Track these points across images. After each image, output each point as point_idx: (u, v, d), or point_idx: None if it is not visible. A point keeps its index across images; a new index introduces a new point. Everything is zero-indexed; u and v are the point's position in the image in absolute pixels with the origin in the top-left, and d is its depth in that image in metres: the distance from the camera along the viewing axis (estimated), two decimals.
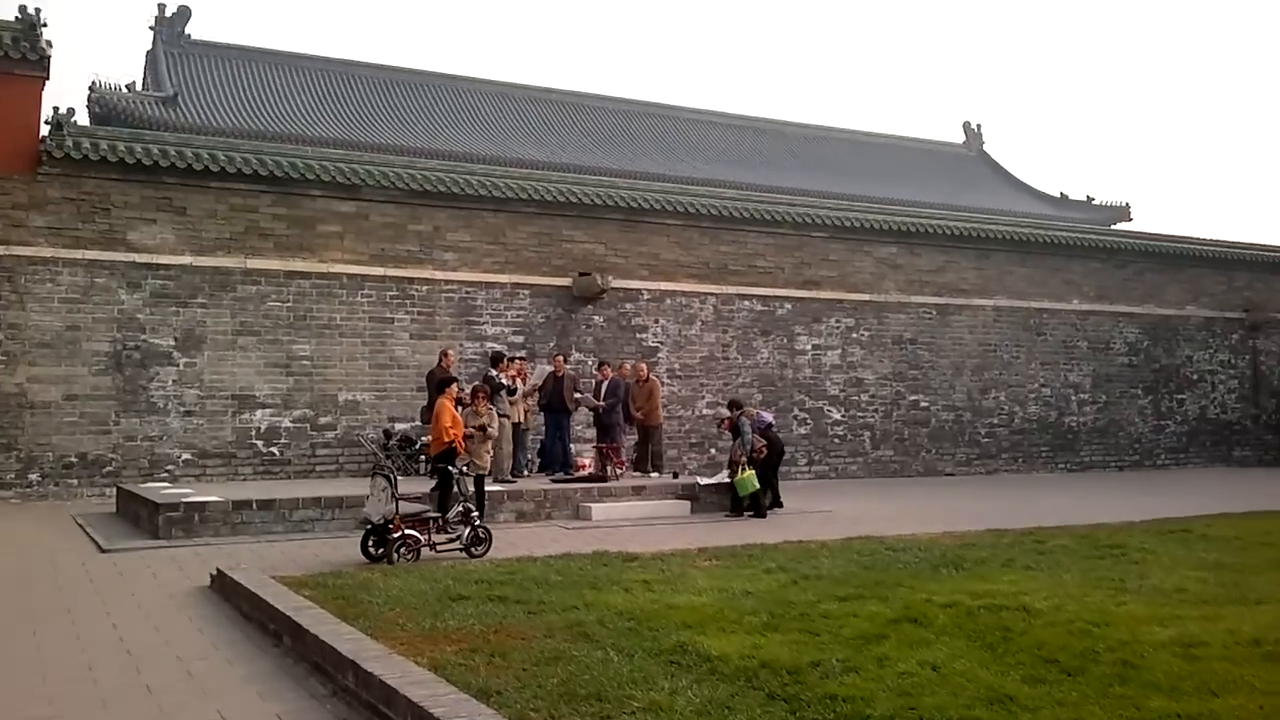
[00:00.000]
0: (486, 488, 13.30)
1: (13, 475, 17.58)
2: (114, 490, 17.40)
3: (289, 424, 19.49)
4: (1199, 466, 29.29)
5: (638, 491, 15.34)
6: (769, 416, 17.36)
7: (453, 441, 11.91)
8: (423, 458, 18.31)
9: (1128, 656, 6.44)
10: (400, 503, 10.81)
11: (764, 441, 16.05)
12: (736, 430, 16.11)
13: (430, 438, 12.47)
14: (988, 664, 6.34)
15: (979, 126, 55.56)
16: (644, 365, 19.16)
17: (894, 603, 8.14)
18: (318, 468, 19.52)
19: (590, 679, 5.97)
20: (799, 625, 7.39)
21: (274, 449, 19.32)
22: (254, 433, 19.25)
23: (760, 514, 15.30)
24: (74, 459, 18.02)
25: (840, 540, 12.07)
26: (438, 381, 13.43)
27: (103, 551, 11.86)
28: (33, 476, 17.70)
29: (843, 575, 9.48)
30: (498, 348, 20.65)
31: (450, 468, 11.65)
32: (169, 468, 18.51)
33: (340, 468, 19.67)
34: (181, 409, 18.82)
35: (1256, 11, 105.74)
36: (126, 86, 36.04)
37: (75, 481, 17.95)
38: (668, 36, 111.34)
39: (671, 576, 9.48)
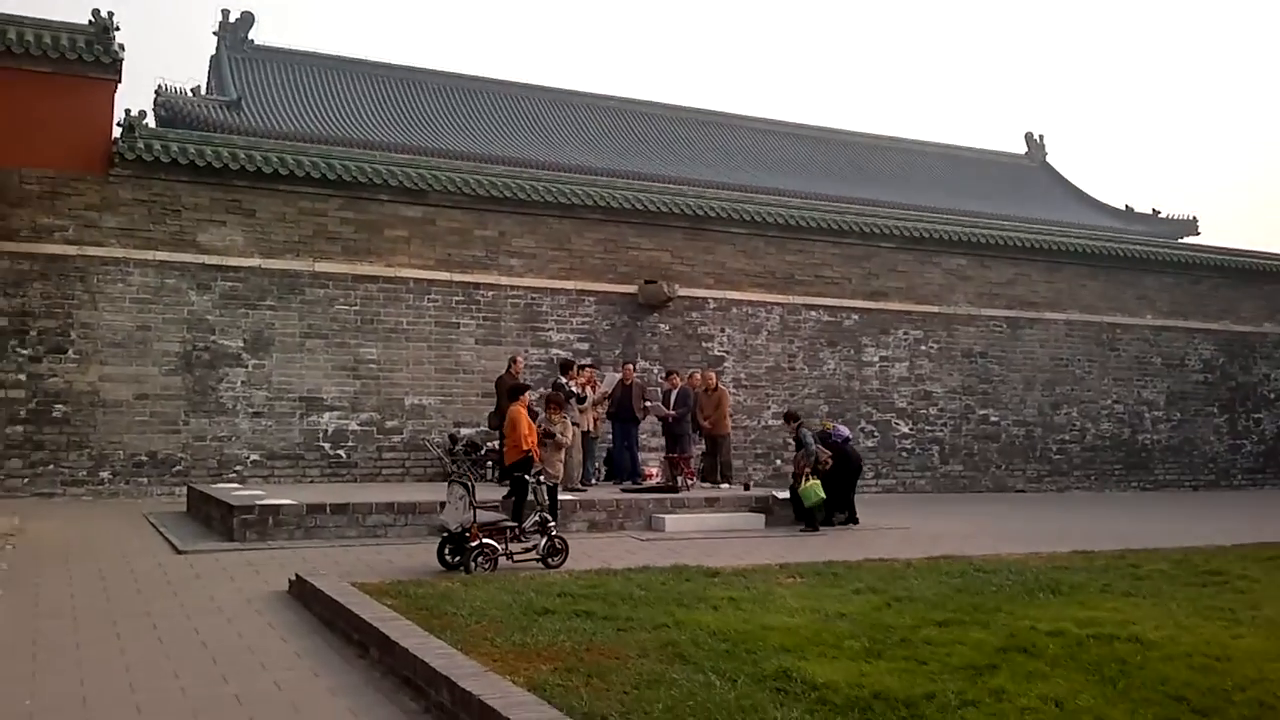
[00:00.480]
0: (559, 497, 13.10)
1: (85, 473, 17.69)
2: (183, 489, 17.49)
3: (356, 427, 19.45)
4: (1276, 488, 28.49)
5: (710, 503, 15.08)
6: (845, 431, 17.04)
7: (530, 450, 11.71)
8: (490, 463, 18.18)
9: (1261, 697, 6.09)
10: (478, 511, 10.63)
11: (828, 453, 15.73)
12: (799, 441, 15.81)
13: (506, 445, 12.25)
14: (1113, 700, 6.01)
15: (1041, 137, 54.91)
16: (713, 374, 18.90)
17: (997, 629, 7.81)
18: (384, 471, 19.46)
19: (696, 705, 5.71)
20: (903, 652, 7.09)
21: (340, 451, 19.29)
22: (321, 435, 19.23)
23: (814, 527, 14.97)
24: (144, 458, 18.09)
25: (924, 559, 11.73)
26: (509, 388, 13.24)
27: (178, 553, 11.80)
28: (104, 474, 17.78)
29: (936, 598, 9.15)
30: (563, 354, 20.55)
31: (527, 476, 11.45)
32: (237, 468, 18.54)
33: (406, 472, 19.60)
34: (250, 410, 18.84)
35: None
36: (191, 90, 36.54)
37: (145, 480, 18.02)
38: (727, 43, 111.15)
39: (758, 595, 9.21)
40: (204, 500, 14.53)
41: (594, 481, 17.14)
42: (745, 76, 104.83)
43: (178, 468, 18.26)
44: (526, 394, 12.85)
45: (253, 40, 40.70)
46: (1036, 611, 8.59)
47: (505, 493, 12.75)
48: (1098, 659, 6.94)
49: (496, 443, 18.29)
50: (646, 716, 5.53)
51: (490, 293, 20.80)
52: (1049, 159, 54.16)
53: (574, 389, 15.63)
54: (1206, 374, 28.38)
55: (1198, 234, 47.29)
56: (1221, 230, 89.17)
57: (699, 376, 18.88)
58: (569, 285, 21.48)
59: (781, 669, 6.51)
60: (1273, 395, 29.36)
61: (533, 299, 21.15)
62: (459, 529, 10.60)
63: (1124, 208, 49.88)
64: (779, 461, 22.35)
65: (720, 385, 18.58)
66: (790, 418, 16.71)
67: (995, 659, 6.88)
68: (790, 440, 17.50)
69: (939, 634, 7.65)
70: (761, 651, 7.00)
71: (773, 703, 5.84)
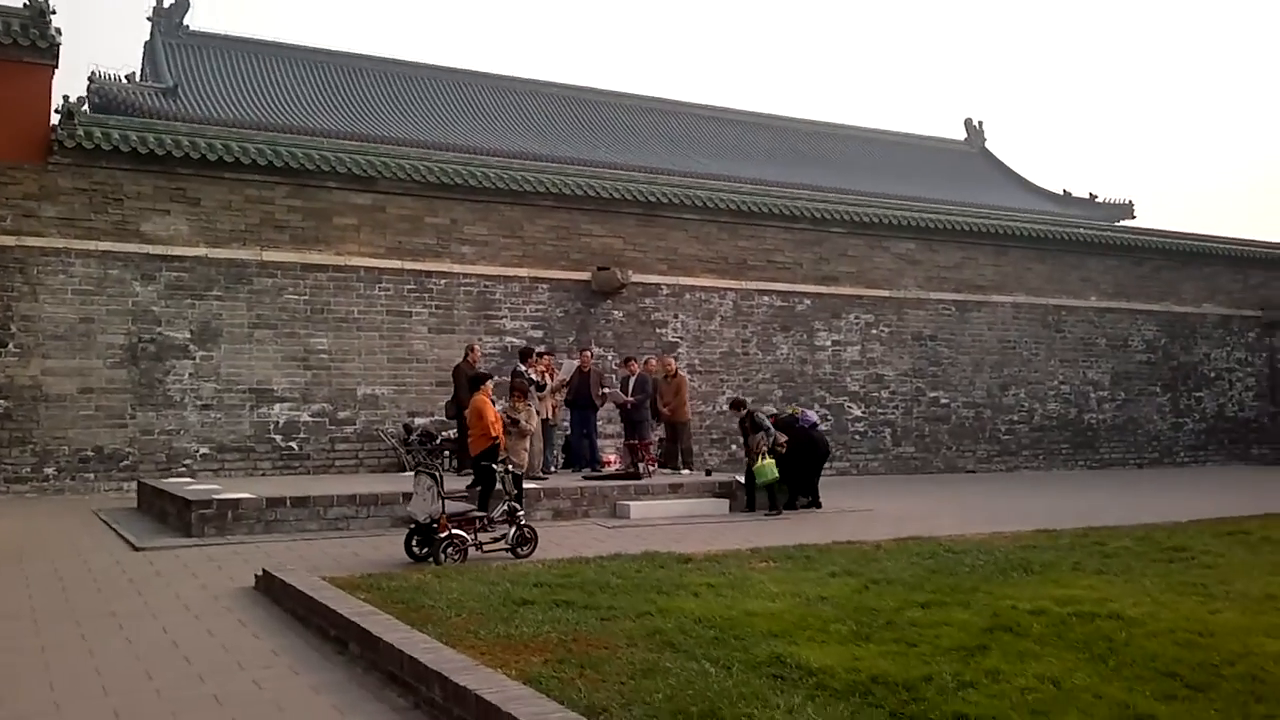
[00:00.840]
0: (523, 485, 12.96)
1: (28, 469, 17.22)
2: (131, 484, 17.12)
3: (307, 418, 19.13)
4: (1218, 464, 29.12)
5: (675, 489, 15.01)
6: (814, 416, 17.07)
7: (497, 439, 11.56)
8: (447, 453, 17.99)
9: (1251, 671, 6.15)
10: (446, 501, 10.47)
11: (785, 436, 15.75)
12: (756, 425, 15.72)
13: (472, 434, 12.07)
14: (1107, 678, 6.03)
15: (980, 123, 55.42)
16: (671, 360, 18.84)
17: (979, 609, 7.83)
18: (337, 463, 19.17)
19: (696, 694, 5.63)
20: (891, 634, 7.07)
21: (292, 444, 18.96)
22: (272, 427, 18.88)
23: (776, 510, 14.99)
24: (90, 453, 17.64)
25: (892, 540, 11.77)
26: (470, 377, 13.07)
27: (136, 550, 11.48)
28: (49, 470, 17.33)
29: (913, 579, 9.16)
30: (517, 342, 20.38)
31: (494, 466, 11.30)
32: (186, 462, 18.16)
33: (360, 463, 19.33)
34: (198, 403, 18.44)
35: (1253, 9, 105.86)
36: (126, 77, 35.67)
37: (92, 475, 17.58)
38: (668, 31, 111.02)
39: (734, 580, 9.16)
40: (157, 495, 14.18)
41: (553, 469, 17.01)
42: (687, 63, 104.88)
43: (125, 463, 17.83)
44: (489, 382, 12.69)
45: (188, 26, 39.81)
46: (1014, 591, 8.64)
47: (470, 482, 12.64)
48: (1084, 637, 6.98)
49: (453, 432, 18.14)
50: (648, 707, 5.43)
51: (442, 281, 20.54)
52: (988, 145, 54.69)
53: (534, 376, 15.47)
54: (1149, 354, 28.88)
55: (1134, 217, 48.10)
56: (1156, 213, 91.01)
57: (654, 362, 18.81)
58: (522, 272, 21.28)
59: (774, 655, 6.46)
60: (1213, 374, 29.95)
61: (486, 287, 20.92)
62: (427, 520, 10.43)
63: (1062, 192, 50.56)
64: (734, 446, 22.31)
65: (680, 372, 18.50)
66: (737, 405, 16.63)
67: (984, 639, 6.89)
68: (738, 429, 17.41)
69: (923, 615, 7.65)
70: (750, 638, 6.94)
71: (771, 689, 5.78)
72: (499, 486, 11.30)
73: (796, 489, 15.61)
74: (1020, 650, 6.62)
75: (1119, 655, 6.52)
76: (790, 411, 17.03)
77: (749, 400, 17.73)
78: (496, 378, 16.64)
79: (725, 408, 22.39)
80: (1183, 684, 5.93)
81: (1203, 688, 5.87)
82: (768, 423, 15.68)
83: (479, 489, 11.84)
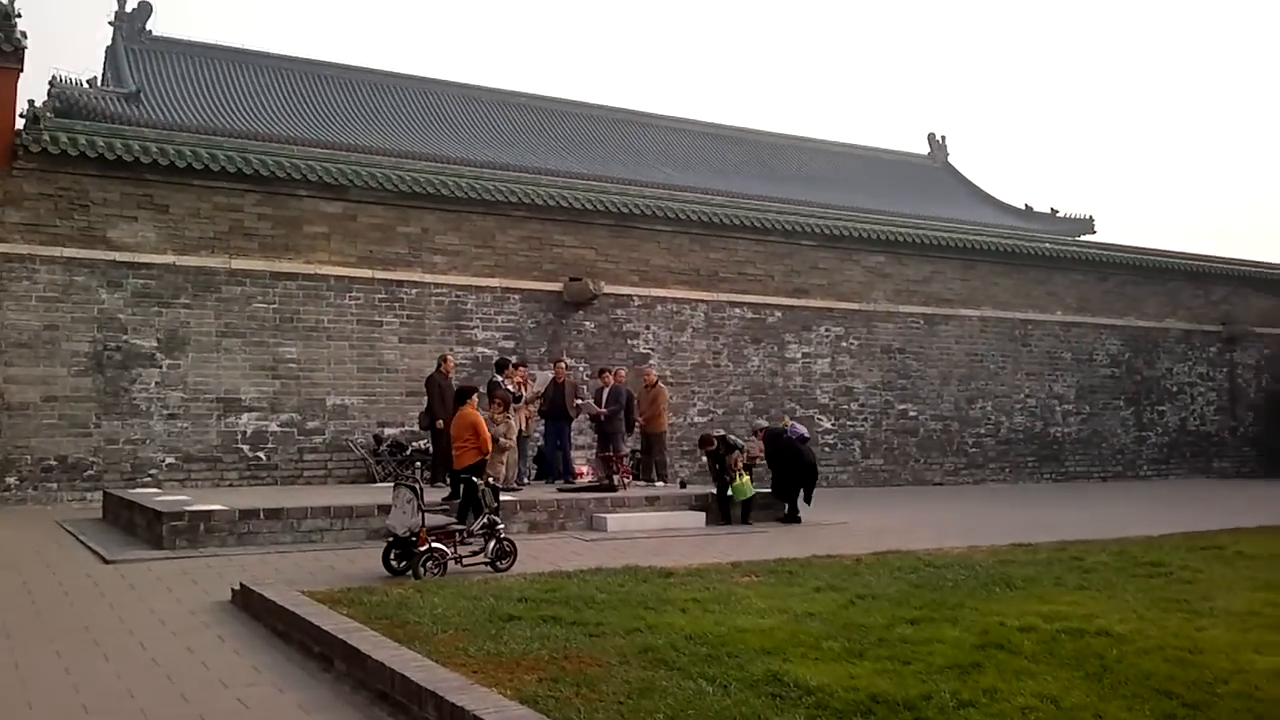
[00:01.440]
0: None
1: None
2: (95, 495, 16.88)
3: (276, 428, 18.90)
4: (1180, 478, 29.46)
5: (651, 502, 14.96)
6: (802, 429, 17.08)
7: (487, 454, 11.48)
8: (419, 464, 17.83)
9: (1245, 689, 6.15)
10: (426, 515, 10.34)
11: (760, 448, 15.90)
12: (729, 446, 15.77)
13: (461, 448, 11.93)
14: (1105, 697, 6.02)
15: (943, 138, 55.87)
16: (651, 371, 18.81)
17: (966, 626, 7.81)
18: (305, 473, 18.95)
19: (696, 715, 5.56)
20: (884, 652, 7.02)
21: (260, 453, 18.73)
22: (239, 437, 18.64)
23: (743, 522, 15.10)
24: (53, 462, 17.34)
25: (871, 555, 11.76)
26: (458, 390, 12.95)
27: (107, 562, 11.27)
28: (10, 480, 17.01)
29: (898, 595, 9.14)
30: (488, 352, 20.30)
31: (475, 479, 11.19)
32: (152, 472, 17.88)
33: (329, 473, 19.11)
34: (165, 412, 18.18)
35: (1214, 24, 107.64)
36: (88, 82, 35.23)
37: (55, 485, 17.28)
38: (637, 43, 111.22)
39: (720, 595, 9.10)
40: (125, 506, 13.94)
41: (526, 481, 16.90)
42: (655, 75, 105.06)
43: (89, 472, 17.54)
44: (475, 396, 12.59)
45: (151, 31, 39.35)
46: (999, 606, 8.63)
47: (449, 494, 12.52)
48: (1075, 654, 6.97)
49: (425, 443, 17.99)
50: None
51: (414, 290, 20.39)
52: (950, 159, 55.15)
53: (510, 388, 15.36)
54: (1113, 368, 29.18)
55: (1094, 232, 48.62)
56: (1116, 228, 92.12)
57: (623, 374, 18.75)
58: (494, 283, 21.17)
59: (770, 673, 6.39)
60: (1175, 389, 30.31)
61: (457, 297, 20.78)
62: (406, 533, 10.30)
63: (1024, 206, 51.03)
64: (704, 458, 22.27)
65: (659, 383, 18.41)
66: (706, 442, 16.26)
67: (977, 657, 6.86)
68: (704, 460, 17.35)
69: (913, 632, 7.62)
70: (743, 655, 6.88)
71: (771, 709, 5.71)
72: (482, 500, 11.17)
73: (787, 500, 15.76)
74: (1015, 668, 6.60)
75: (1113, 673, 6.51)
76: (782, 424, 17.11)
77: (719, 431, 17.53)
78: (498, 392, 16.51)
79: (696, 420, 22.52)
80: (1180, 703, 5.92)
81: (1200, 706, 5.86)
82: (739, 441, 15.80)
83: (459, 502, 11.71)
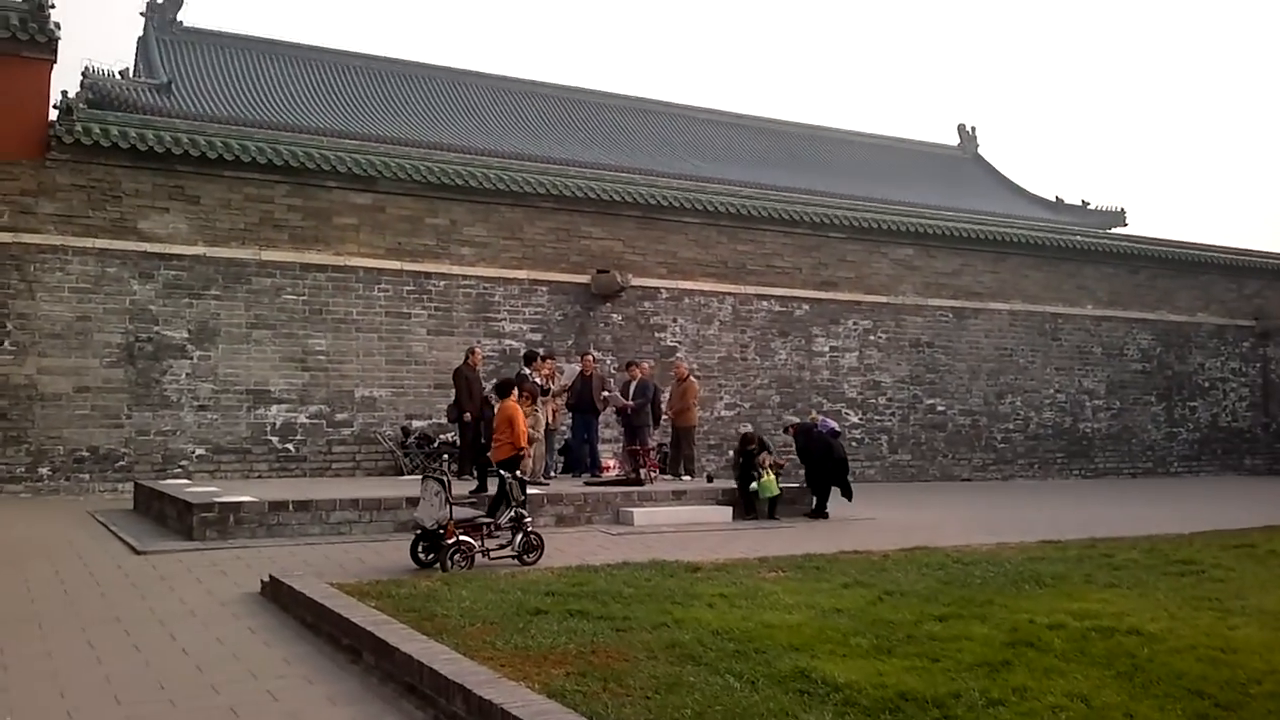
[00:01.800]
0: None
1: (23, 469, 17.07)
2: (125, 485, 17.03)
3: (305, 420, 19.01)
4: (1211, 475, 29.18)
5: (678, 496, 14.94)
6: (832, 424, 17.04)
7: (523, 450, 11.52)
8: (446, 456, 17.89)
9: (1279, 690, 6.09)
10: (454, 508, 10.37)
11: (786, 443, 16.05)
12: (762, 446, 15.91)
13: (499, 441, 11.97)
14: (1136, 696, 5.97)
15: (973, 129, 55.42)
16: (683, 365, 18.82)
17: (995, 623, 7.77)
18: (333, 465, 19.05)
19: (724, 710, 5.55)
20: (912, 649, 6.99)
21: (289, 445, 18.84)
22: (269, 428, 18.76)
23: (770, 517, 15.18)
24: (85, 453, 17.50)
25: (899, 551, 11.72)
26: (500, 383, 13.00)
27: (137, 553, 11.35)
28: (43, 470, 17.18)
29: (926, 591, 9.10)
30: (516, 345, 20.33)
31: (503, 472, 11.21)
32: (182, 463, 18.03)
33: (357, 465, 19.20)
34: (195, 403, 18.31)
35: (1247, 16, 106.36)
36: (120, 74, 35.44)
37: (87, 476, 17.44)
38: (664, 33, 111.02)
39: (747, 590, 9.08)
40: (155, 497, 14.04)
41: (553, 474, 16.92)
42: (682, 65, 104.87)
43: (120, 463, 17.69)
44: (515, 390, 12.63)
45: (182, 22, 39.57)
46: (1028, 604, 8.58)
47: (474, 487, 12.54)
48: (1106, 653, 6.92)
49: (453, 435, 18.05)
50: None
51: (442, 282, 20.44)
52: (980, 150, 54.75)
53: (538, 380, 15.37)
54: (1144, 363, 28.92)
55: (1125, 225, 48.18)
56: (1148, 220, 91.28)
57: (648, 367, 18.74)
58: (521, 275, 21.19)
59: (798, 669, 6.38)
60: (1207, 384, 30.01)
61: (485, 288, 20.82)
62: (434, 526, 10.33)
63: (1054, 199, 50.63)
64: (731, 452, 22.26)
65: (690, 377, 18.31)
66: (747, 441, 16.10)
67: (1006, 655, 6.82)
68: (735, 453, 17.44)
69: (942, 629, 7.59)
70: (771, 651, 6.87)
71: (800, 705, 5.70)
72: (510, 493, 11.19)
73: (819, 494, 15.88)
74: (1045, 666, 6.55)
75: (1144, 672, 6.45)
76: (810, 419, 17.10)
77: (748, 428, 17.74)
78: (527, 385, 16.48)
79: (723, 413, 22.50)
80: (1213, 703, 5.86)
81: (1233, 707, 5.81)
82: (769, 443, 15.94)
83: (493, 495, 11.74)
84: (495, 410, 12.77)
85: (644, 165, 36.95)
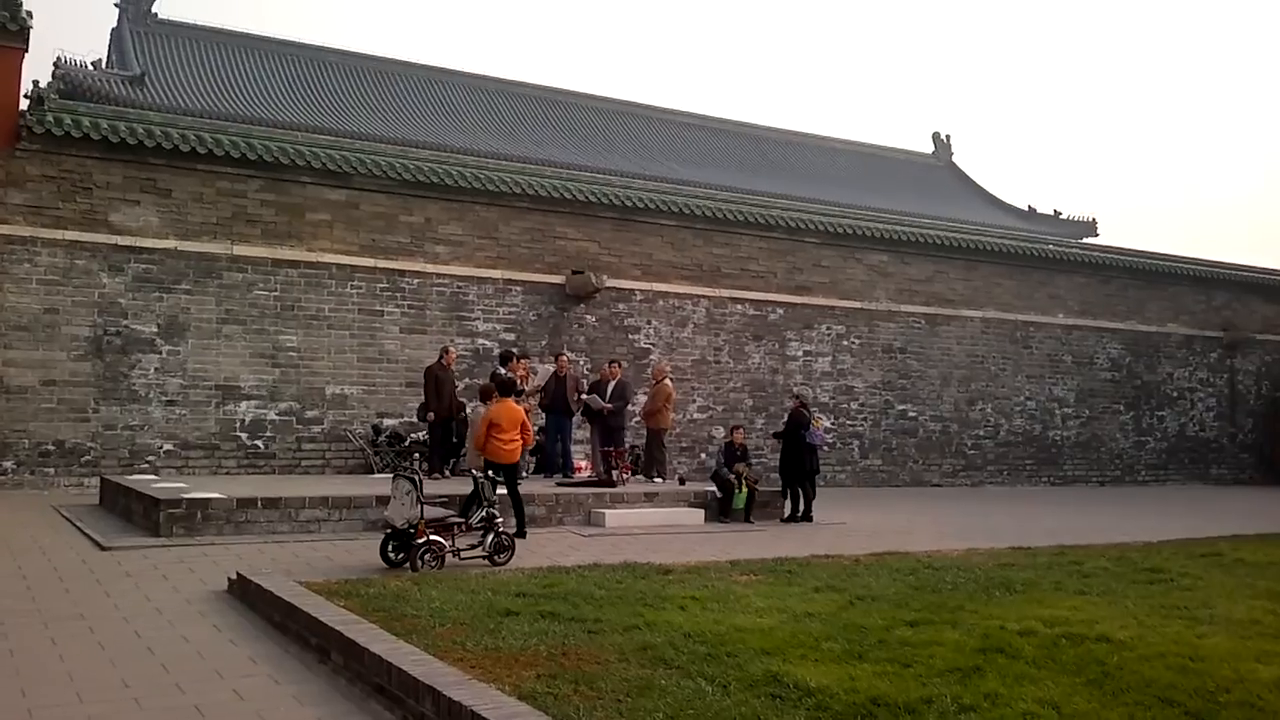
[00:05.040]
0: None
1: None
2: (92, 480, 16.83)
3: (274, 417, 18.85)
4: (1178, 484, 29.44)
5: (650, 498, 14.90)
6: (821, 436, 17.22)
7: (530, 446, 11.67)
8: (417, 455, 17.77)
9: (1247, 699, 6.11)
10: (424, 507, 10.29)
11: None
12: (745, 452, 16.18)
13: (505, 441, 12.04)
14: (1107, 704, 5.97)
15: (948, 137, 55.73)
16: (665, 365, 18.87)
17: (966, 629, 7.78)
18: (303, 462, 18.91)
19: (696, 715, 5.52)
20: (884, 654, 6.99)
21: (259, 442, 18.68)
22: (238, 425, 18.59)
23: (745, 520, 15.33)
24: (51, 447, 17.29)
25: (870, 555, 11.75)
26: (501, 383, 13.02)
27: (102, 549, 11.22)
28: (7, 464, 16.97)
29: (897, 596, 9.11)
30: (489, 344, 20.25)
31: (475, 472, 11.16)
32: (149, 458, 17.83)
33: (326, 463, 19.07)
34: (163, 398, 18.13)
35: (1219, 29, 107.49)
36: (93, 64, 35.11)
37: (52, 471, 17.23)
38: (641, 36, 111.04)
39: (718, 593, 9.06)
40: (122, 493, 13.88)
41: (525, 475, 16.80)
42: (659, 68, 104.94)
43: (87, 458, 17.49)
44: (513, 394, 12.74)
45: (156, 14, 39.24)
46: (999, 610, 8.60)
47: (470, 492, 12.53)
48: (1076, 660, 6.93)
49: (423, 434, 17.93)
50: None
51: (415, 280, 20.33)
52: (955, 159, 55.05)
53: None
54: (1114, 372, 29.14)
55: (1097, 235, 48.57)
56: (1119, 231, 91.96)
57: (617, 368, 18.63)
58: (496, 274, 21.11)
59: (769, 673, 6.35)
60: (1175, 394, 30.27)
61: (459, 287, 20.72)
62: (405, 525, 10.25)
63: (1027, 208, 50.99)
64: (703, 455, 22.31)
65: (666, 379, 18.26)
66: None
67: (977, 660, 6.82)
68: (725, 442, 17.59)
69: (913, 635, 7.58)
70: (743, 654, 6.84)
71: (771, 710, 5.67)
72: (480, 493, 11.13)
73: (787, 486, 16.14)
74: (1016, 673, 6.55)
75: (1114, 680, 6.47)
76: (813, 419, 17.17)
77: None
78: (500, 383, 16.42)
79: (696, 416, 22.46)
80: (1183, 711, 5.88)
81: (1203, 715, 5.82)
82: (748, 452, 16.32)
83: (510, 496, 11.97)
84: (487, 410, 12.80)
85: (620, 167, 36.93)
